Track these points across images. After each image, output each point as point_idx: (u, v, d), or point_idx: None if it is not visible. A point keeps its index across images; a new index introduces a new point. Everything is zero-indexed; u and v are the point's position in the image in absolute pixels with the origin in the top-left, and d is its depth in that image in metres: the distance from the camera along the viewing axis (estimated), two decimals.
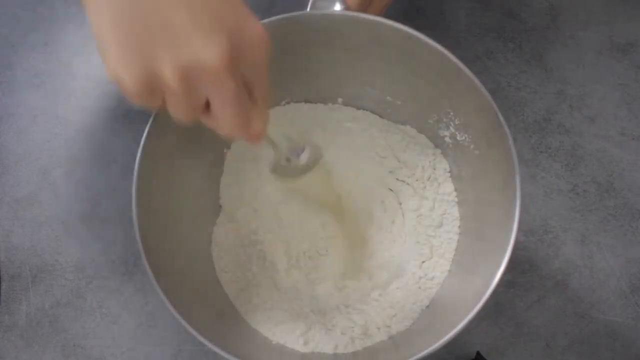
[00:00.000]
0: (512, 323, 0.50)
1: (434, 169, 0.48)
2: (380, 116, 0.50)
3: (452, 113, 0.44)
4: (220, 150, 0.49)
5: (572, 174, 0.53)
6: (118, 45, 0.26)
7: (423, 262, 0.46)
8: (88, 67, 0.57)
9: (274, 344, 0.43)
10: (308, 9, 0.42)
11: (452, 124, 0.45)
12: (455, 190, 0.47)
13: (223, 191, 0.49)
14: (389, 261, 0.47)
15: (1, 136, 0.55)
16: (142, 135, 0.38)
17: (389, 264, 0.47)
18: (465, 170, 0.46)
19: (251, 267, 0.47)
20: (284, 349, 0.43)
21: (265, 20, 0.39)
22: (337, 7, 0.42)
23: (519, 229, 0.36)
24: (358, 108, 0.50)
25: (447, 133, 0.46)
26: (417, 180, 0.48)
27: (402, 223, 0.48)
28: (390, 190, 0.49)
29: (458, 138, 0.45)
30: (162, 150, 0.41)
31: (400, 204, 0.49)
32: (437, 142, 0.48)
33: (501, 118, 0.38)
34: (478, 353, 0.48)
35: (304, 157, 0.44)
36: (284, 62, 0.44)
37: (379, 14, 0.41)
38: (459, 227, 0.46)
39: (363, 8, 0.42)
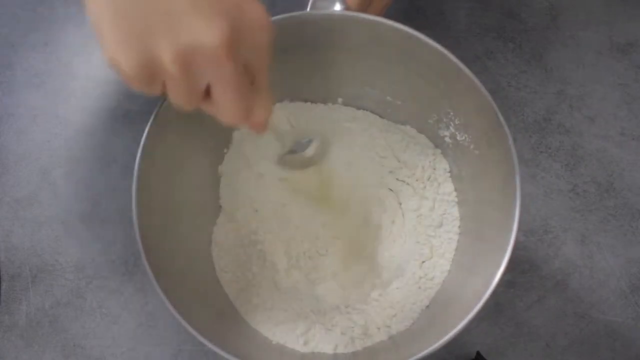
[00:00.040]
0: (512, 323, 0.50)
1: (434, 169, 0.48)
2: (380, 116, 0.50)
3: (452, 113, 0.44)
4: (220, 150, 0.49)
5: (572, 174, 0.53)
6: (115, 29, 0.25)
7: (423, 262, 0.46)
8: (88, 67, 0.57)
9: (274, 344, 0.43)
10: (308, 9, 0.42)
11: (452, 124, 0.45)
12: (455, 190, 0.47)
13: (223, 191, 0.49)
14: (389, 261, 0.47)
15: (1, 136, 0.55)
16: (142, 135, 0.38)
17: (389, 264, 0.47)
18: (465, 170, 0.46)
19: (251, 267, 0.47)
20: (284, 349, 0.43)
21: None
22: (337, 7, 0.42)
23: (519, 229, 0.36)
24: (358, 108, 0.50)
25: (447, 133, 0.46)
26: (417, 180, 0.48)
27: (402, 223, 0.48)
28: (390, 190, 0.49)
29: (458, 138, 0.45)
30: (162, 150, 0.40)
31: (400, 204, 0.49)
32: (437, 142, 0.48)
33: (501, 118, 0.38)
34: (478, 353, 0.48)
35: (310, 150, 0.44)
36: (284, 62, 0.44)
37: (379, 14, 0.41)
38: (459, 227, 0.46)
39: (363, 8, 0.42)
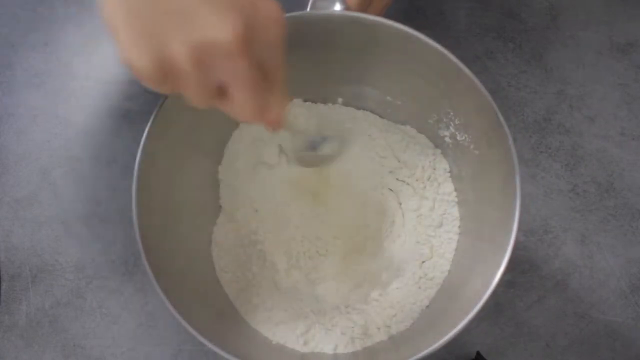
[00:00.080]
0: (512, 323, 0.50)
1: (434, 169, 0.48)
2: (380, 116, 0.50)
3: (452, 113, 0.44)
4: (220, 150, 0.49)
5: (572, 174, 0.53)
6: (129, 28, 0.26)
7: (423, 262, 0.46)
8: (88, 67, 0.57)
9: (274, 344, 0.43)
10: (308, 9, 0.42)
11: (452, 124, 0.45)
12: (455, 190, 0.47)
13: (223, 191, 0.49)
14: (389, 261, 0.47)
15: (1, 136, 0.55)
16: (142, 135, 0.38)
17: (389, 264, 0.47)
18: (465, 170, 0.46)
19: (251, 267, 0.47)
20: (284, 349, 0.43)
21: None
22: (337, 7, 0.42)
23: (519, 229, 0.36)
24: (358, 108, 0.50)
25: (447, 133, 0.46)
26: (417, 180, 0.48)
27: (402, 223, 0.48)
28: (390, 190, 0.49)
29: (458, 138, 0.45)
30: (162, 150, 0.40)
31: (400, 204, 0.49)
32: (437, 142, 0.48)
33: (501, 118, 0.38)
34: (478, 353, 0.48)
35: (326, 148, 0.43)
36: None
37: (379, 14, 0.41)
38: (459, 227, 0.46)
39: (363, 8, 0.42)
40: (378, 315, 0.45)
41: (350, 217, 0.49)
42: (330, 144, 0.45)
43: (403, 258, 0.47)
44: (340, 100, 0.50)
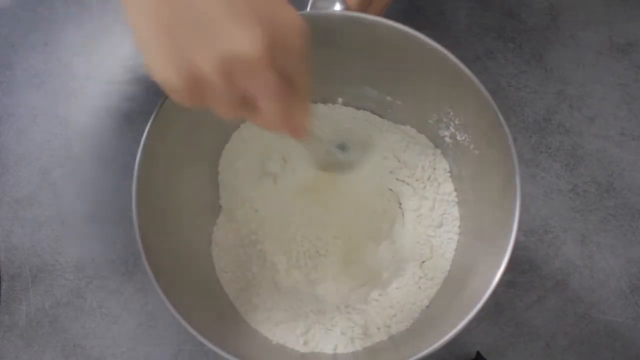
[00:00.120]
0: (512, 323, 0.50)
1: (434, 169, 0.48)
2: (380, 116, 0.50)
3: (452, 113, 0.44)
4: (220, 151, 0.49)
5: (572, 174, 0.53)
6: (158, 43, 0.26)
7: (423, 262, 0.46)
8: (88, 67, 0.57)
9: (274, 344, 0.43)
10: (308, 9, 0.42)
11: (452, 124, 0.45)
12: (455, 190, 0.47)
13: (223, 191, 0.49)
14: (389, 261, 0.47)
15: (1, 136, 0.55)
16: (142, 135, 0.38)
17: (389, 264, 0.47)
18: (465, 170, 0.46)
19: (251, 267, 0.47)
20: (284, 349, 0.43)
21: None
22: (337, 7, 0.42)
23: (519, 229, 0.36)
24: (358, 108, 0.50)
25: (447, 133, 0.46)
26: (417, 180, 0.48)
27: (402, 223, 0.48)
28: (390, 190, 0.49)
29: (458, 138, 0.45)
30: (162, 150, 0.40)
31: (400, 204, 0.49)
32: (437, 142, 0.48)
33: (501, 118, 0.38)
34: (478, 353, 0.48)
35: (349, 154, 0.43)
36: None
37: (379, 14, 0.41)
38: (459, 227, 0.46)
39: (363, 8, 0.42)
40: (378, 315, 0.45)
41: (350, 217, 0.49)
42: (353, 150, 0.45)
43: (403, 258, 0.47)
44: (340, 100, 0.50)
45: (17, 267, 0.52)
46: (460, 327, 0.35)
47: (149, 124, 0.38)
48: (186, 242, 0.44)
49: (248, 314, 0.45)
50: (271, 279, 0.47)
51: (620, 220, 0.52)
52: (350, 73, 0.46)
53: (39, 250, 0.52)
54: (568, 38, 0.58)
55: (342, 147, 0.43)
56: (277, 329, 0.44)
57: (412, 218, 0.48)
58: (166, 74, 0.26)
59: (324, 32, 0.42)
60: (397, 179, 0.49)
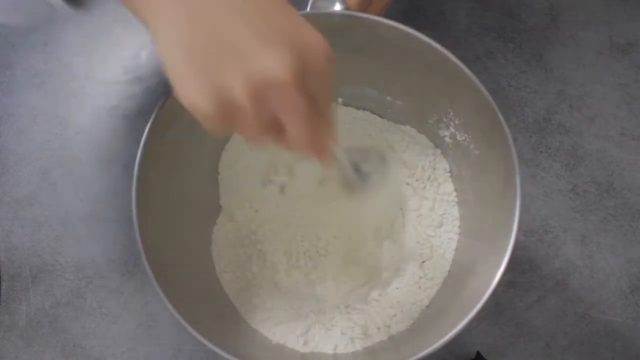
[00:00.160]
0: (512, 323, 0.50)
1: (434, 169, 0.48)
2: (380, 116, 0.50)
3: (452, 113, 0.44)
4: (220, 151, 0.49)
5: (572, 174, 0.53)
6: (189, 71, 0.26)
7: (423, 262, 0.46)
8: (88, 67, 0.57)
9: (274, 344, 0.43)
10: (308, 9, 0.42)
11: (452, 124, 0.45)
12: (455, 190, 0.47)
13: (223, 191, 0.49)
14: (389, 261, 0.47)
15: (1, 136, 0.55)
16: (142, 135, 0.38)
17: (389, 264, 0.47)
18: (465, 170, 0.46)
19: (251, 267, 0.47)
20: (284, 349, 0.43)
21: None
22: (337, 7, 0.42)
23: (519, 229, 0.36)
24: (358, 108, 0.50)
25: (447, 133, 0.46)
26: (417, 180, 0.48)
27: (402, 223, 0.48)
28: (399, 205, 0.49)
29: (458, 138, 0.45)
30: (162, 150, 0.40)
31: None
32: (437, 142, 0.48)
33: (501, 118, 0.38)
34: (478, 353, 0.48)
35: (373, 176, 0.42)
36: None
37: (379, 14, 0.41)
38: (459, 227, 0.46)
39: (363, 8, 0.42)
40: (378, 315, 0.45)
41: (351, 217, 0.49)
42: (370, 163, 0.44)
43: (403, 258, 0.47)
44: (340, 100, 0.50)
45: (17, 267, 0.52)
46: (460, 327, 0.35)
47: (149, 124, 0.38)
48: (186, 242, 0.44)
49: (248, 314, 0.45)
50: (271, 279, 0.47)
51: (620, 220, 0.52)
52: (350, 73, 0.46)
53: (39, 250, 0.52)
54: (568, 38, 0.58)
55: (360, 173, 0.42)
56: (277, 329, 0.44)
57: (412, 218, 0.48)
58: (198, 100, 0.26)
59: (323, 32, 0.42)
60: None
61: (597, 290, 0.51)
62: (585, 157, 0.54)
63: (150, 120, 0.38)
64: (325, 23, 0.41)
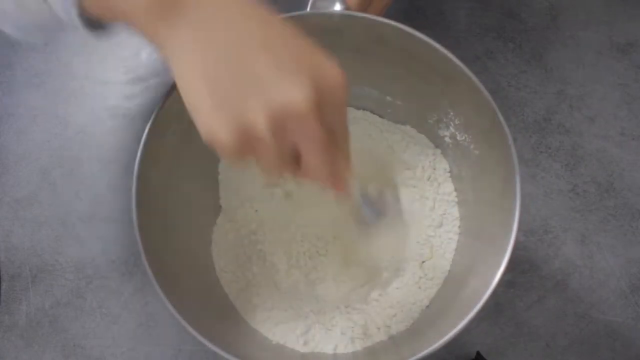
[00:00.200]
0: (512, 323, 0.50)
1: (434, 169, 0.48)
2: (380, 116, 0.50)
3: (452, 113, 0.44)
4: None
5: (572, 174, 0.53)
6: (209, 102, 0.26)
7: (423, 262, 0.46)
8: (88, 67, 0.57)
9: (274, 344, 0.43)
10: (308, 9, 0.42)
11: (452, 124, 0.45)
12: (455, 190, 0.47)
13: (223, 191, 0.49)
14: (389, 261, 0.47)
15: (1, 136, 0.55)
16: (142, 135, 0.38)
17: (389, 264, 0.47)
18: (465, 170, 0.46)
19: (251, 267, 0.47)
20: (284, 349, 0.43)
21: None
22: (337, 7, 0.42)
23: (519, 229, 0.36)
24: (358, 108, 0.50)
25: (447, 133, 0.46)
26: (417, 180, 0.48)
27: (402, 223, 0.48)
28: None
29: (458, 138, 0.45)
30: (162, 150, 0.41)
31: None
32: (437, 142, 0.48)
33: (501, 118, 0.38)
34: (478, 353, 0.48)
35: (376, 221, 0.42)
36: None
37: (379, 14, 0.41)
38: (459, 227, 0.46)
39: (363, 8, 0.42)
40: (378, 315, 0.45)
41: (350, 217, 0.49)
42: (383, 200, 0.44)
43: (403, 258, 0.47)
44: None
45: (17, 267, 0.52)
46: (460, 327, 0.35)
47: (149, 124, 0.38)
48: (186, 242, 0.44)
49: (248, 314, 0.45)
50: (271, 279, 0.47)
51: (620, 220, 0.52)
52: (350, 73, 0.46)
53: (39, 250, 0.52)
54: (568, 38, 0.58)
55: (373, 210, 0.42)
56: (277, 329, 0.44)
57: (412, 218, 0.48)
58: (217, 131, 0.26)
59: (324, 32, 0.42)
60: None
61: (597, 290, 0.51)
62: (585, 157, 0.54)
63: (150, 120, 0.38)
64: (325, 23, 0.41)
